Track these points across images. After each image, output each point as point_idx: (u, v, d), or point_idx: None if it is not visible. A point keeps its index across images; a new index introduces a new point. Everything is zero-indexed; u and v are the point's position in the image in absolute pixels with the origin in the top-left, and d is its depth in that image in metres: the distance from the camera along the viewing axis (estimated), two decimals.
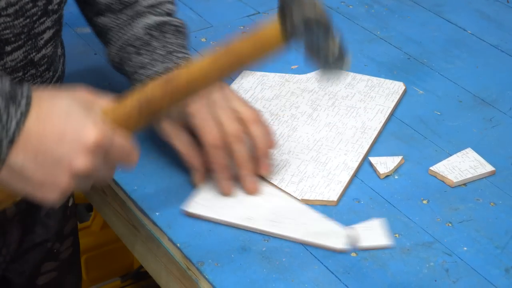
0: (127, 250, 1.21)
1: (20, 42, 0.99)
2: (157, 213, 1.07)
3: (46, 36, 1.04)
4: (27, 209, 1.13)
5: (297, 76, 1.34)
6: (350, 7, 1.56)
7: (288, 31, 0.91)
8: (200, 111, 1.06)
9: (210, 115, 1.07)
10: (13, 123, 0.81)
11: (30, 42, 1.01)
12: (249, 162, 1.07)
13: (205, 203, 1.07)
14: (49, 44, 1.05)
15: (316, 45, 0.91)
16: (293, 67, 1.37)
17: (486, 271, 1.00)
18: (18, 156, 0.82)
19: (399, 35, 1.48)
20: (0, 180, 0.83)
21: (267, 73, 1.34)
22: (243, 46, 0.92)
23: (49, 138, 0.82)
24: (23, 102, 0.82)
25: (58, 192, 0.84)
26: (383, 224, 1.05)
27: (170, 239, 1.03)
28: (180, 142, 1.09)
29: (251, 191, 1.08)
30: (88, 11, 1.18)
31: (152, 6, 1.15)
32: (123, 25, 1.15)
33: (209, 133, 1.06)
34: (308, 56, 0.93)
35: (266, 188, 1.10)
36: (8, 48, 0.98)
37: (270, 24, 0.92)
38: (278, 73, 1.34)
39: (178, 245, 1.02)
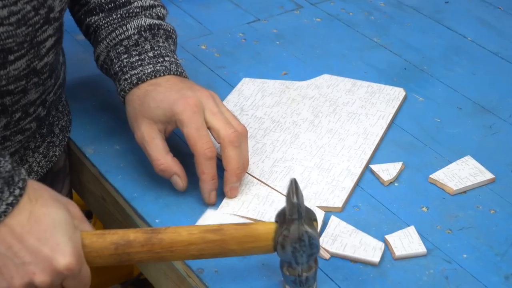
0: None
1: (23, 51, 0.99)
2: (157, 220, 1.07)
3: (48, 44, 1.04)
4: None
5: (297, 83, 1.34)
6: (350, 14, 1.57)
7: (277, 243, 0.93)
8: (193, 120, 1.05)
9: (202, 124, 1.06)
10: (3, 205, 0.84)
11: (32, 50, 1.01)
12: (239, 169, 1.07)
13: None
14: (51, 52, 1.05)
15: (295, 263, 0.93)
16: (283, 73, 1.37)
17: (486, 279, 1.00)
18: None
19: (399, 42, 1.48)
20: None
21: (267, 80, 1.34)
22: (235, 233, 0.93)
23: (28, 243, 0.85)
24: (17, 191, 0.85)
25: (5, 286, 0.86)
26: (415, 231, 1.05)
27: None
28: (156, 149, 1.07)
29: (231, 196, 1.08)
30: (79, 10, 1.18)
31: (144, 8, 1.15)
32: (114, 24, 1.15)
33: (202, 144, 1.05)
34: (282, 267, 0.95)
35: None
36: (11, 57, 0.98)
37: (268, 225, 0.94)
38: (278, 80, 1.34)
39: None
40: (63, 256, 0.86)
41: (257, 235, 0.93)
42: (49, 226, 0.86)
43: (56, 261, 0.86)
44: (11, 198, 0.85)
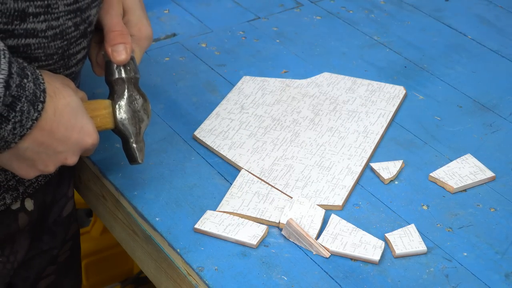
0: (127, 255, 1.22)
1: (50, 61, 0.98)
2: (157, 219, 1.07)
3: (80, 56, 1.03)
4: (38, 219, 1.13)
5: (298, 81, 1.34)
6: (351, 12, 1.57)
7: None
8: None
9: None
10: (30, 123, 0.89)
11: (62, 62, 1.00)
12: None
13: (215, 220, 1.06)
14: (80, 63, 1.05)
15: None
16: (283, 71, 1.37)
17: (486, 277, 1.00)
18: (24, 144, 0.91)
19: (399, 40, 1.48)
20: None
21: (267, 78, 1.34)
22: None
23: (58, 135, 0.93)
24: (40, 105, 0.90)
25: (38, 174, 0.96)
26: (415, 229, 1.05)
27: (170, 245, 1.03)
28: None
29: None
30: None
31: None
32: None
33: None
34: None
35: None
36: (35, 65, 0.97)
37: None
38: (278, 78, 1.34)
39: (178, 250, 1.02)
40: (89, 136, 0.97)
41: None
42: (71, 115, 0.94)
43: (85, 141, 0.97)
44: (36, 114, 0.89)
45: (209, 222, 1.05)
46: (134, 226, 1.10)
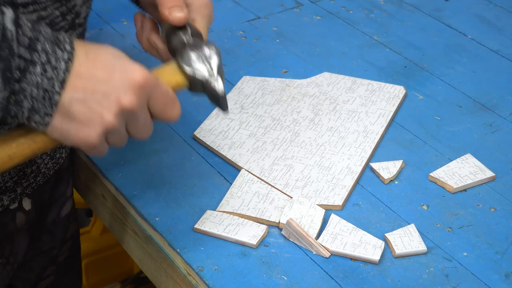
0: (127, 255, 1.22)
1: None
2: (157, 218, 1.07)
3: None
4: (36, 218, 1.13)
5: (298, 81, 1.34)
6: (350, 12, 1.57)
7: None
8: None
9: None
10: (63, 64, 0.83)
11: None
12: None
13: (215, 220, 1.06)
14: None
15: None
16: (283, 71, 1.37)
17: (486, 277, 1.00)
18: (67, 95, 0.83)
19: (399, 40, 1.48)
20: (52, 126, 0.85)
21: (267, 78, 1.34)
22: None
23: (99, 76, 0.85)
24: (67, 46, 0.83)
25: (100, 130, 0.86)
26: (415, 229, 1.05)
27: (170, 244, 1.03)
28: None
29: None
30: None
31: None
32: None
33: None
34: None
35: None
36: None
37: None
38: (278, 78, 1.34)
39: (178, 250, 1.02)
40: (136, 71, 0.86)
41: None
42: (109, 56, 0.86)
43: (133, 77, 0.86)
44: (65, 55, 0.84)
45: (209, 222, 1.05)
46: (134, 226, 1.10)
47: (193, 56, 0.95)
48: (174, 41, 0.98)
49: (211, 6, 1.07)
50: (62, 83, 0.83)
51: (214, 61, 0.96)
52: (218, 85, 0.96)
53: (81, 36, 1.06)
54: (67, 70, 0.83)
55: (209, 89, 0.96)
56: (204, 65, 0.95)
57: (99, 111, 0.85)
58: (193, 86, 0.95)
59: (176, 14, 0.99)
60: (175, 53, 0.97)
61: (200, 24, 1.04)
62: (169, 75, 0.94)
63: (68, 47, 0.84)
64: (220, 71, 0.96)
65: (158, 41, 1.04)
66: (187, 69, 0.94)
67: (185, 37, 0.98)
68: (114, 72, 0.85)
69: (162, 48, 1.03)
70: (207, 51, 0.96)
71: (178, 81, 0.94)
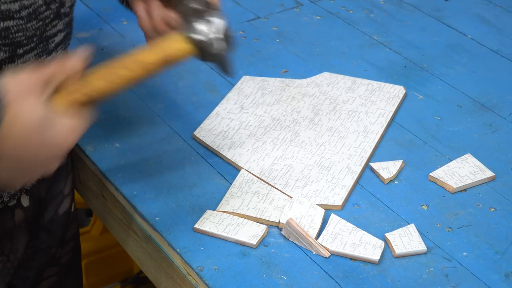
0: (127, 255, 1.22)
1: (32, 45, 0.99)
2: (156, 218, 1.07)
3: (57, 39, 1.04)
4: (34, 216, 1.13)
5: (298, 81, 1.34)
6: (350, 12, 1.57)
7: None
8: None
9: None
10: None
11: (41, 45, 1.01)
12: None
13: (215, 219, 1.06)
14: (60, 47, 1.05)
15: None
16: (283, 71, 1.37)
17: (486, 277, 1.00)
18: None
19: (399, 40, 1.48)
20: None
21: (267, 78, 1.34)
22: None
23: (23, 158, 0.84)
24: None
25: (26, 182, 0.87)
26: (415, 229, 1.05)
27: (170, 244, 1.03)
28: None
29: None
30: None
31: None
32: None
33: None
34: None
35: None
36: (20, 51, 0.98)
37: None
38: (278, 78, 1.34)
39: (178, 250, 1.02)
40: (63, 143, 0.86)
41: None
42: (37, 133, 0.83)
43: (60, 149, 0.86)
44: None
45: (209, 222, 1.05)
46: (134, 226, 1.10)
47: (197, 21, 0.97)
48: (181, 8, 0.99)
49: None
50: None
51: (218, 24, 0.98)
52: (221, 46, 0.97)
53: (69, 26, 1.06)
54: None
55: (211, 52, 0.97)
56: (207, 27, 0.97)
57: (27, 176, 0.85)
58: (200, 51, 0.97)
59: None
60: (182, 21, 0.99)
61: None
62: (175, 42, 0.95)
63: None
64: (226, 34, 0.97)
65: (171, 13, 1.04)
66: (191, 34, 0.96)
67: (192, 4, 0.99)
68: (43, 151, 0.84)
69: (176, 19, 1.04)
70: (211, 16, 0.97)
71: (184, 48, 0.96)
